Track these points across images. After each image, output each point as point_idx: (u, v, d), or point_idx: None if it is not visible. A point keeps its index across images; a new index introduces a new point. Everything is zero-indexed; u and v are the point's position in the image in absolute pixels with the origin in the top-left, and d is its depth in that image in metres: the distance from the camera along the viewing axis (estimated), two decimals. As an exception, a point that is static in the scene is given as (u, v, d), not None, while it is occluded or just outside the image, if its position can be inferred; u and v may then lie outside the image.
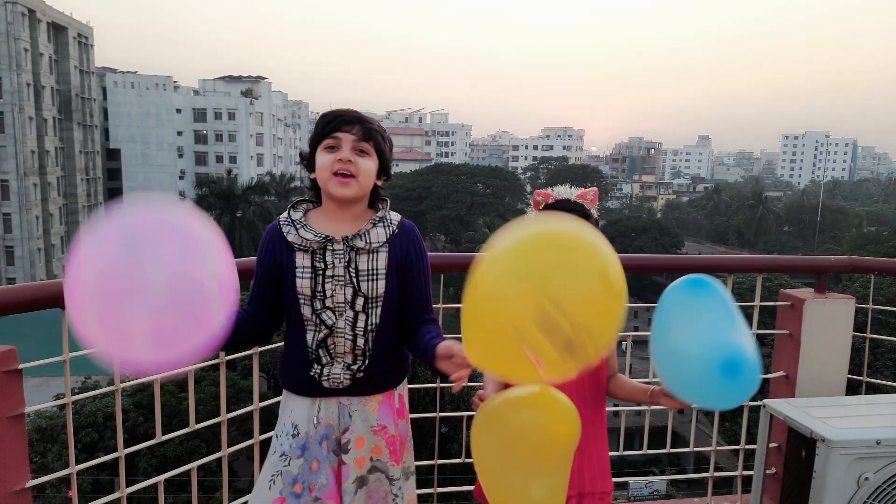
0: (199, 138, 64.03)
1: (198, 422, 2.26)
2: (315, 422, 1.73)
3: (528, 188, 77.50)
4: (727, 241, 63.78)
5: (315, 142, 1.73)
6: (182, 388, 13.77)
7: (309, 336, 1.72)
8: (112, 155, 62.14)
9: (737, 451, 2.95)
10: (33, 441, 16.15)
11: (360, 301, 1.71)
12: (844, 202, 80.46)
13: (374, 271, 1.72)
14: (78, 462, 1.97)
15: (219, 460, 2.33)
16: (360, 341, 1.72)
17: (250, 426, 1.83)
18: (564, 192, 1.87)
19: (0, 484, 1.79)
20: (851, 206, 74.39)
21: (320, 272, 1.70)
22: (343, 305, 1.70)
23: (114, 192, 62.52)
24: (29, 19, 47.05)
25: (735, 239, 63.27)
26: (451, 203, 53.74)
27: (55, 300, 1.86)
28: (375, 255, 1.72)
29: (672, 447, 2.93)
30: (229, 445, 2.31)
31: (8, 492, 1.79)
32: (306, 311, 1.71)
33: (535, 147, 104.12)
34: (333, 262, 1.70)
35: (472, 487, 1.92)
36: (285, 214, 1.77)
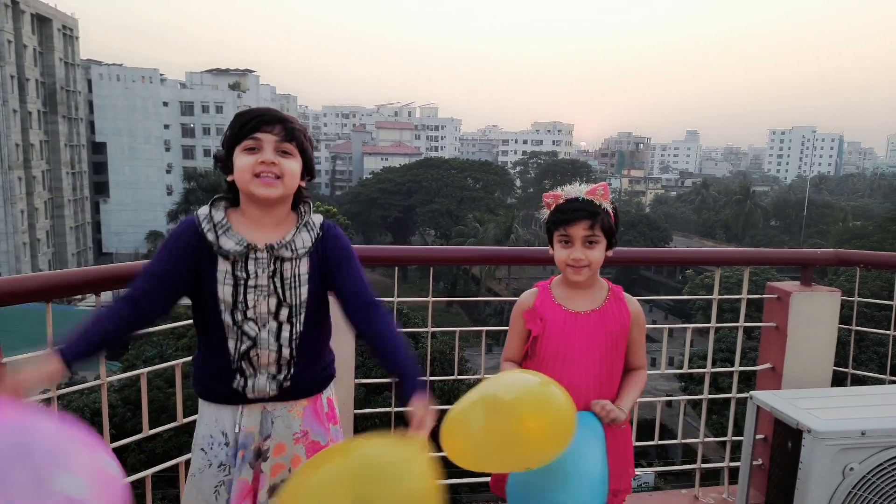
0: (187, 132, 63.50)
1: (185, 416, 2.25)
2: (237, 430, 1.66)
3: (518, 182, 77.74)
4: (715, 235, 64.25)
5: (232, 142, 1.63)
6: (170, 383, 13.70)
7: (231, 344, 1.63)
8: (98, 148, 61.48)
9: (723, 444, 2.98)
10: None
11: (284, 312, 1.64)
12: (831, 197, 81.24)
13: (297, 277, 1.65)
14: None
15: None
16: (286, 352, 1.65)
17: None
18: (573, 191, 1.87)
19: (-16, 479, 1.77)
20: (837, 200, 75.14)
21: (242, 282, 1.60)
22: (266, 316, 1.62)
23: (99, 185, 61.92)
24: (12, 10, 46.36)
25: (723, 233, 63.74)
26: (440, 197, 53.76)
27: (39, 293, 1.84)
28: (298, 261, 1.65)
29: (660, 439, 2.95)
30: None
31: (-8, 487, 1.77)
32: (227, 318, 1.62)
33: (525, 142, 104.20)
34: (256, 272, 1.61)
35: (462, 480, 1.92)
36: (205, 211, 1.65)
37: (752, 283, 2.91)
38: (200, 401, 1.74)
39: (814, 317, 2.82)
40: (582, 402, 1.85)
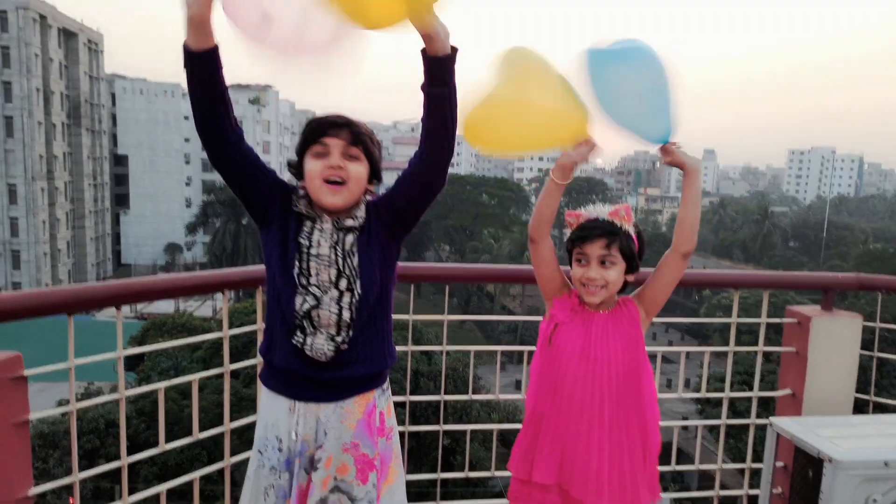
0: (207, 145, 64.43)
1: (200, 430, 2.26)
2: (293, 436, 1.71)
3: (533, 199, 77.56)
4: (732, 255, 63.67)
5: (303, 148, 1.70)
6: (185, 396, 13.75)
7: (298, 300, 1.68)
8: (119, 160, 62.58)
9: (741, 470, 2.92)
10: (35, 447, 16.19)
11: (343, 282, 1.69)
12: (850, 218, 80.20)
13: (353, 249, 1.70)
14: (80, 469, 1.97)
15: (221, 469, 2.32)
16: (346, 314, 1.69)
17: (252, 435, 1.84)
18: (596, 210, 1.86)
19: (3, 491, 1.78)
20: (857, 222, 74.15)
21: (305, 249, 1.68)
22: (328, 284, 1.68)
23: (120, 197, 62.91)
24: (40, 25, 47.60)
25: (740, 253, 63.15)
26: (455, 213, 53.92)
27: (61, 306, 1.86)
28: (357, 232, 1.71)
29: (676, 464, 2.91)
30: (231, 455, 2.30)
31: (11, 499, 1.79)
32: (295, 273, 1.67)
33: (541, 159, 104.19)
34: (319, 241, 1.68)
35: (474, 501, 1.91)
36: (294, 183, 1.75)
37: (770, 305, 2.87)
38: (262, 393, 1.79)
39: (835, 342, 2.77)
40: (597, 405, 1.83)
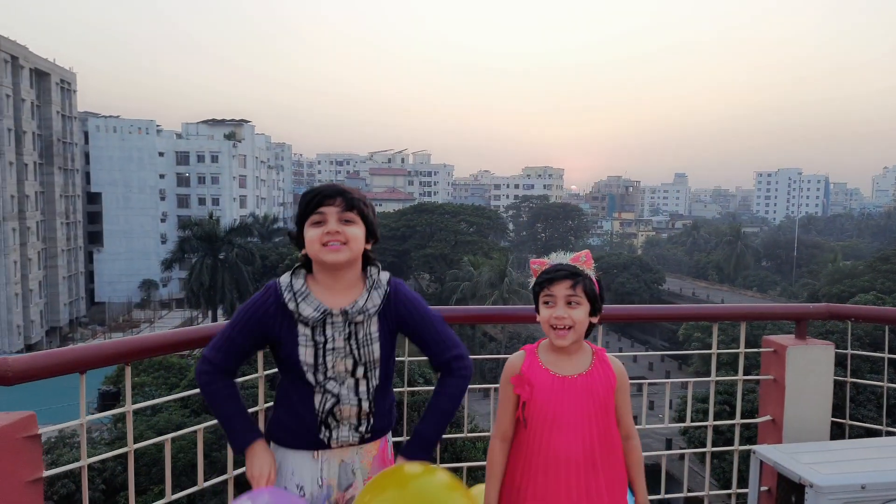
0: (182, 181, 64.06)
1: (205, 480, 2.30)
2: (319, 483, 1.80)
3: (511, 226, 78.25)
4: (707, 276, 64.61)
5: (301, 219, 1.81)
6: (173, 439, 13.45)
7: (317, 400, 1.80)
8: (93, 199, 61.82)
9: (728, 494, 3.03)
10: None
11: (360, 370, 1.81)
12: (819, 237, 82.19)
13: (368, 336, 1.81)
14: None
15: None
16: (365, 405, 1.82)
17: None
18: (558, 257, 1.97)
19: (17, 549, 1.81)
20: (827, 240, 75.99)
21: (321, 345, 1.78)
22: (344, 374, 1.80)
23: (94, 235, 61.98)
24: (11, 66, 47.28)
25: (715, 274, 64.12)
26: (434, 242, 54.08)
27: (73, 365, 1.92)
28: (369, 320, 1.82)
29: (662, 486, 3.00)
30: None
31: (25, 557, 1.81)
32: (311, 378, 1.79)
33: (517, 186, 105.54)
34: (333, 336, 1.78)
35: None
36: (286, 279, 1.81)
37: (747, 328, 3.01)
38: (275, 447, 1.87)
39: (809, 369, 2.92)
40: (574, 470, 1.86)
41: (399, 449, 1.90)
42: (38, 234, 51.09)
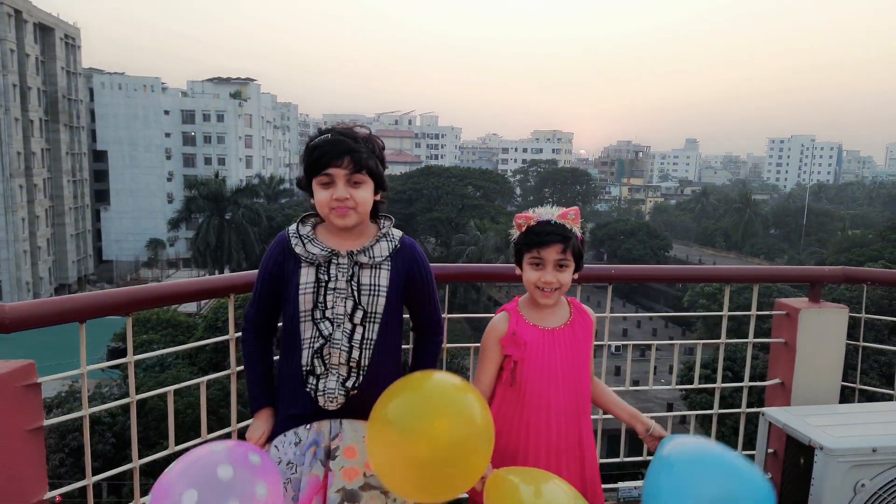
0: (188, 140, 63.66)
1: (210, 432, 2.29)
2: (307, 426, 1.77)
3: (518, 191, 77.87)
4: (714, 243, 64.34)
5: (309, 173, 1.76)
6: (181, 395, 13.65)
7: (304, 354, 1.76)
8: (99, 156, 61.62)
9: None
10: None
11: (358, 314, 1.75)
12: (830, 205, 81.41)
13: (377, 287, 1.77)
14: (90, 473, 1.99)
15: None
16: (356, 353, 1.75)
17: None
18: (546, 213, 1.90)
19: (19, 496, 1.81)
20: (836, 209, 75.29)
21: (323, 284, 1.75)
22: (342, 317, 1.75)
23: (100, 193, 62.02)
24: (15, 20, 46.60)
25: (722, 241, 63.83)
26: (441, 205, 53.87)
27: (74, 314, 1.88)
28: (378, 270, 1.78)
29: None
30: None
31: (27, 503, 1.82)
32: (306, 327, 1.76)
33: (525, 150, 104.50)
34: (337, 276, 1.75)
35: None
36: (294, 227, 1.82)
37: (759, 295, 2.95)
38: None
39: (822, 333, 2.87)
40: (564, 419, 1.88)
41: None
42: (45, 192, 51.17)
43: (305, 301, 1.75)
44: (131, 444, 2.09)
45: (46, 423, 1.89)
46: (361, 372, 1.76)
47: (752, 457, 2.71)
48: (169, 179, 62.79)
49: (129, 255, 59.28)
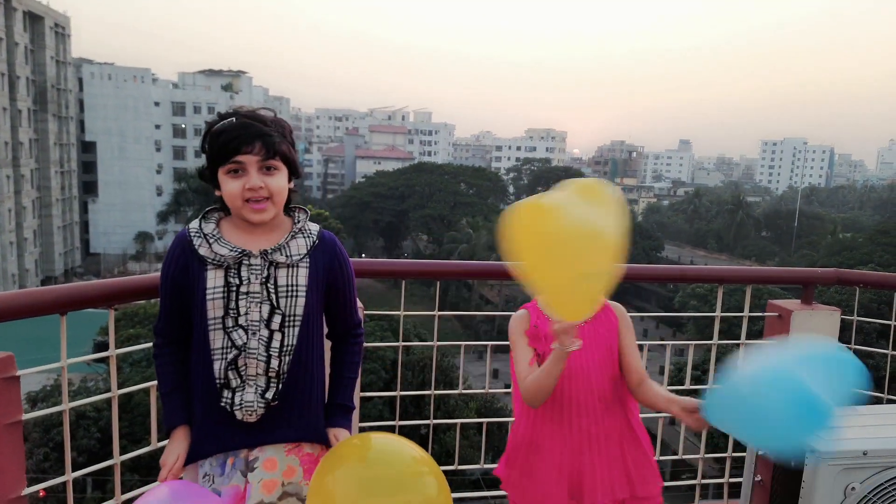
0: (178, 132, 63.19)
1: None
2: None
3: (511, 189, 77.93)
4: (706, 245, 64.69)
5: (214, 163, 1.58)
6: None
7: (217, 365, 1.59)
8: (87, 147, 61.05)
9: (716, 459, 3.01)
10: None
11: (276, 319, 1.58)
12: (821, 208, 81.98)
13: (294, 287, 1.60)
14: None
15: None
16: (275, 363, 1.59)
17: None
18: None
19: (-4, 492, 1.76)
20: (828, 212, 75.83)
21: (234, 288, 1.57)
22: (257, 324, 1.57)
23: (88, 185, 61.46)
24: (4, 8, 46.05)
25: (714, 243, 64.18)
26: (433, 202, 53.81)
27: (55, 306, 1.84)
28: (295, 269, 1.61)
29: (659, 455, 2.98)
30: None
31: (5, 499, 1.77)
32: (216, 336, 1.58)
33: (519, 148, 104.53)
34: (249, 279, 1.57)
35: (456, 494, 1.93)
36: (195, 225, 1.63)
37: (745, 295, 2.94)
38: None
39: (814, 335, 2.86)
40: (586, 416, 1.88)
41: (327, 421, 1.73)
42: (32, 183, 50.65)
43: (214, 307, 1.56)
44: (115, 439, 2.05)
45: (26, 417, 1.85)
46: (281, 380, 1.60)
47: (741, 459, 2.70)
48: (158, 172, 62.33)
49: (117, 247, 58.82)
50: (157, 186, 61.75)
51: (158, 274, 1.79)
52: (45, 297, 1.85)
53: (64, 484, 1.93)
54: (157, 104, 62.05)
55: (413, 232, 57.58)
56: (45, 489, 1.91)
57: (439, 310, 2.67)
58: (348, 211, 54.93)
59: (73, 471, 1.92)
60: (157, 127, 62.16)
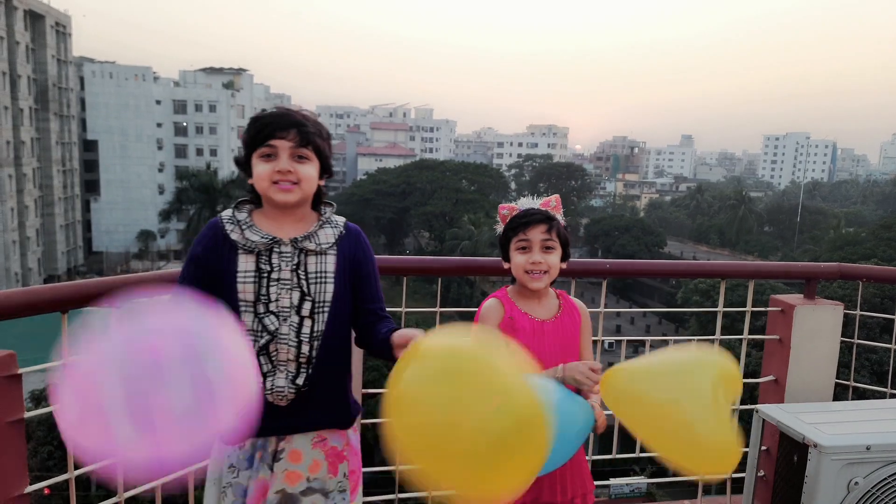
0: (179, 130, 63.15)
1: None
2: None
3: (513, 185, 77.82)
4: (709, 240, 64.54)
5: (249, 148, 1.64)
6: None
7: (251, 336, 1.62)
8: (89, 146, 61.04)
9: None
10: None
11: (306, 306, 1.63)
12: (824, 203, 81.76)
13: (323, 274, 1.66)
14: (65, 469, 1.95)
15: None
16: (305, 348, 1.63)
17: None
18: (527, 202, 1.93)
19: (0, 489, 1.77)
20: (831, 207, 75.61)
21: (265, 275, 1.61)
22: (288, 310, 1.62)
23: (90, 184, 61.49)
24: (5, 7, 46.03)
25: (717, 238, 64.03)
26: (435, 199, 53.72)
27: (56, 304, 1.84)
28: (324, 257, 1.67)
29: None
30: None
31: (7, 498, 1.77)
32: (247, 318, 1.62)
33: (520, 144, 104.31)
34: (280, 265, 1.62)
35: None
36: (229, 212, 1.68)
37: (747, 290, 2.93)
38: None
39: (817, 330, 2.85)
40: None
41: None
42: (34, 182, 50.70)
43: (245, 291, 1.61)
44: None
45: (29, 415, 1.85)
46: (311, 366, 1.65)
47: (745, 454, 2.70)
48: (160, 170, 62.33)
49: (119, 246, 58.88)
50: (158, 185, 61.76)
51: (161, 271, 1.79)
52: (46, 295, 1.85)
53: (67, 482, 1.93)
54: (158, 102, 61.99)
55: (415, 229, 57.54)
56: (48, 487, 1.91)
57: (441, 306, 2.66)
58: (350, 208, 54.87)
59: (76, 469, 1.92)
60: (159, 125, 62.13)
